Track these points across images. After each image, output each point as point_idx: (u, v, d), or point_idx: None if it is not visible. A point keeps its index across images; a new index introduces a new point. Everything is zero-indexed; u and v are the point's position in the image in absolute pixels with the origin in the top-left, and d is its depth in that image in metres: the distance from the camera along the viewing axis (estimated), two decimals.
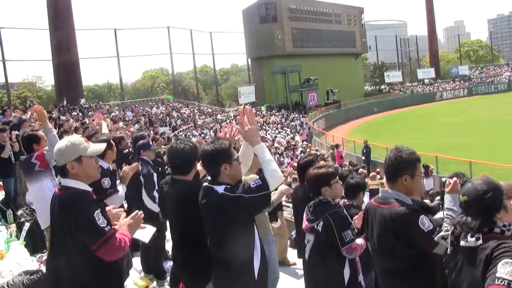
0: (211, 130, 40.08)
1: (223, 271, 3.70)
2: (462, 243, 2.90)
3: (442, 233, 3.20)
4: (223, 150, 3.67)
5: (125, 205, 6.51)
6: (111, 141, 5.94)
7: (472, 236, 2.85)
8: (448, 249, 3.04)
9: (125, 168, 5.69)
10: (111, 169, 5.82)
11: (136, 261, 7.05)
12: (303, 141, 35.32)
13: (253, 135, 3.76)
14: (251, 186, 3.51)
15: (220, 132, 4.70)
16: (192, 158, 4.22)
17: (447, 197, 3.58)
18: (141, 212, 3.74)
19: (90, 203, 3.36)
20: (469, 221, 2.87)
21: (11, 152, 9.24)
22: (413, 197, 3.66)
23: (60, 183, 3.61)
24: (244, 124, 3.75)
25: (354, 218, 4.55)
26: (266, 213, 5.85)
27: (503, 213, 2.88)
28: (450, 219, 3.40)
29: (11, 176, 9.37)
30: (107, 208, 3.70)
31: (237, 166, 3.73)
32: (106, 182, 5.29)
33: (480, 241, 2.80)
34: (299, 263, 7.71)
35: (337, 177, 4.62)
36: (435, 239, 3.23)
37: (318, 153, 23.95)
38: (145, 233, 3.91)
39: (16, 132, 10.26)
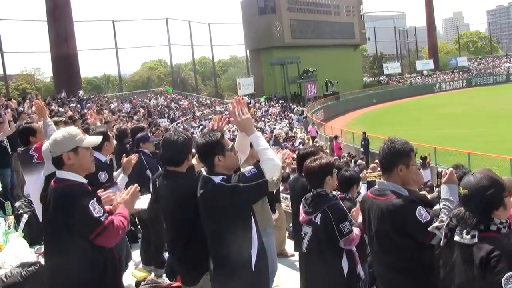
0: (211, 122, 40.05)
1: (220, 264, 3.70)
2: (457, 238, 2.88)
3: (436, 224, 3.18)
4: (214, 142, 3.66)
5: None
6: (108, 133, 5.92)
7: (468, 233, 2.82)
8: (442, 241, 3.02)
9: (126, 159, 5.65)
10: (108, 162, 5.80)
11: (135, 253, 7.05)
12: (313, 137, 32.31)
13: (247, 125, 3.74)
14: (246, 175, 3.51)
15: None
16: (184, 150, 4.18)
17: (443, 188, 3.58)
18: (136, 185, 3.74)
19: (85, 194, 3.37)
20: (466, 216, 2.84)
21: (7, 143, 9.21)
22: (411, 187, 3.66)
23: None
24: (237, 114, 3.73)
25: (352, 211, 4.57)
26: (267, 204, 5.84)
27: (501, 210, 2.84)
28: (447, 209, 3.40)
29: (7, 167, 9.34)
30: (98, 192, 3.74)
31: (232, 156, 3.72)
32: (103, 175, 5.27)
33: (476, 240, 2.78)
34: (298, 254, 7.72)
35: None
36: (429, 229, 3.22)
37: (317, 144, 23.97)
38: (142, 202, 3.93)
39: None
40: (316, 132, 34.70)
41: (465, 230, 2.84)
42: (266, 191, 3.73)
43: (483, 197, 2.82)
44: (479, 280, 2.70)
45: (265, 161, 3.56)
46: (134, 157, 5.70)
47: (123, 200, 3.63)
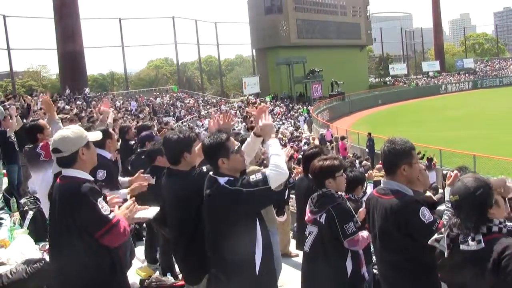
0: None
1: (221, 267, 3.66)
2: (462, 247, 2.88)
3: (435, 236, 3.15)
4: (218, 144, 3.62)
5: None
6: (110, 130, 5.93)
7: (473, 240, 2.84)
8: (446, 253, 3.00)
9: (138, 184, 5.23)
10: (113, 159, 5.80)
11: (139, 251, 7.06)
12: (329, 141, 29.95)
13: (269, 129, 3.75)
14: (250, 180, 3.45)
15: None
16: (178, 148, 4.13)
17: (448, 190, 3.59)
18: (135, 205, 3.71)
19: (93, 191, 3.37)
20: (464, 221, 2.88)
21: (15, 140, 9.23)
22: (417, 188, 3.67)
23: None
24: (261, 118, 3.73)
25: (359, 211, 4.55)
26: (272, 205, 5.83)
27: (495, 209, 2.88)
28: (451, 211, 3.41)
29: (15, 163, 9.36)
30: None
31: (237, 159, 3.67)
32: (101, 174, 5.20)
33: (482, 244, 2.80)
34: (302, 254, 7.71)
35: (342, 170, 4.62)
36: (429, 242, 3.21)
37: (324, 145, 23.93)
38: (149, 212, 3.93)
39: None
40: (331, 135, 32.54)
41: (469, 237, 2.85)
42: (270, 198, 3.68)
43: (474, 198, 2.86)
44: (491, 283, 2.71)
45: (272, 168, 3.47)
46: (146, 181, 5.10)
47: (123, 213, 3.57)
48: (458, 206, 2.95)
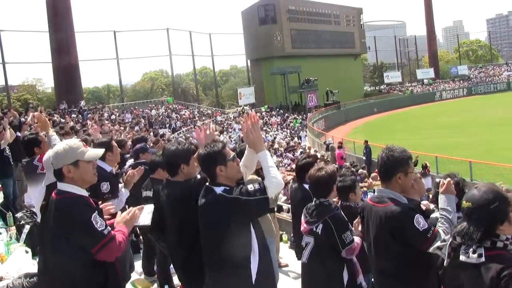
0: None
1: (216, 274, 3.69)
2: (462, 258, 2.80)
3: (438, 244, 3.12)
4: (215, 152, 3.68)
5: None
6: (112, 143, 5.92)
7: (474, 252, 2.74)
8: (445, 262, 2.96)
9: (131, 172, 5.65)
10: (114, 172, 5.80)
11: (136, 263, 7.04)
12: (342, 157, 25.90)
13: (257, 142, 3.75)
14: (249, 189, 3.52)
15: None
16: (175, 160, 4.21)
17: (441, 198, 3.61)
18: (135, 208, 3.73)
19: (86, 207, 3.34)
20: (471, 231, 2.76)
21: (9, 153, 9.19)
22: (413, 196, 3.69)
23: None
24: (248, 131, 3.74)
25: (354, 222, 4.58)
26: (268, 214, 5.84)
27: (506, 225, 2.75)
28: (445, 219, 3.43)
29: (9, 177, 9.31)
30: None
31: (234, 167, 3.73)
32: (105, 186, 5.24)
33: (483, 259, 2.70)
34: (291, 264, 7.71)
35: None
36: (431, 250, 3.20)
37: (319, 154, 23.92)
38: (145, 216, 3.92)
39: (18, 133, 10.16)
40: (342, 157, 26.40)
41: (471, 249, 2.76)
42: (267, 207, 3.71)
43: (487, 211, 2.75)
44: None
45: (270, 179, 3.57)
46: (137, 172, 5.69)
47: (123, 219, 3.60)
48: (468, 214, 2.83)
